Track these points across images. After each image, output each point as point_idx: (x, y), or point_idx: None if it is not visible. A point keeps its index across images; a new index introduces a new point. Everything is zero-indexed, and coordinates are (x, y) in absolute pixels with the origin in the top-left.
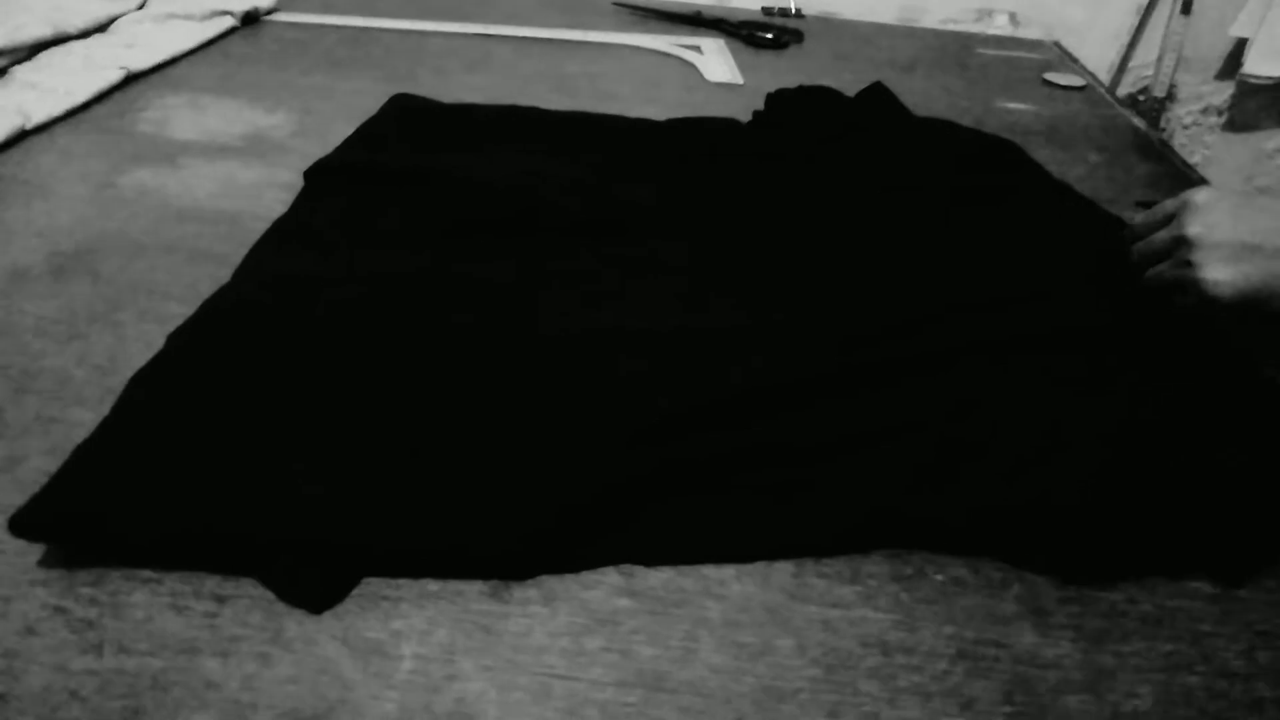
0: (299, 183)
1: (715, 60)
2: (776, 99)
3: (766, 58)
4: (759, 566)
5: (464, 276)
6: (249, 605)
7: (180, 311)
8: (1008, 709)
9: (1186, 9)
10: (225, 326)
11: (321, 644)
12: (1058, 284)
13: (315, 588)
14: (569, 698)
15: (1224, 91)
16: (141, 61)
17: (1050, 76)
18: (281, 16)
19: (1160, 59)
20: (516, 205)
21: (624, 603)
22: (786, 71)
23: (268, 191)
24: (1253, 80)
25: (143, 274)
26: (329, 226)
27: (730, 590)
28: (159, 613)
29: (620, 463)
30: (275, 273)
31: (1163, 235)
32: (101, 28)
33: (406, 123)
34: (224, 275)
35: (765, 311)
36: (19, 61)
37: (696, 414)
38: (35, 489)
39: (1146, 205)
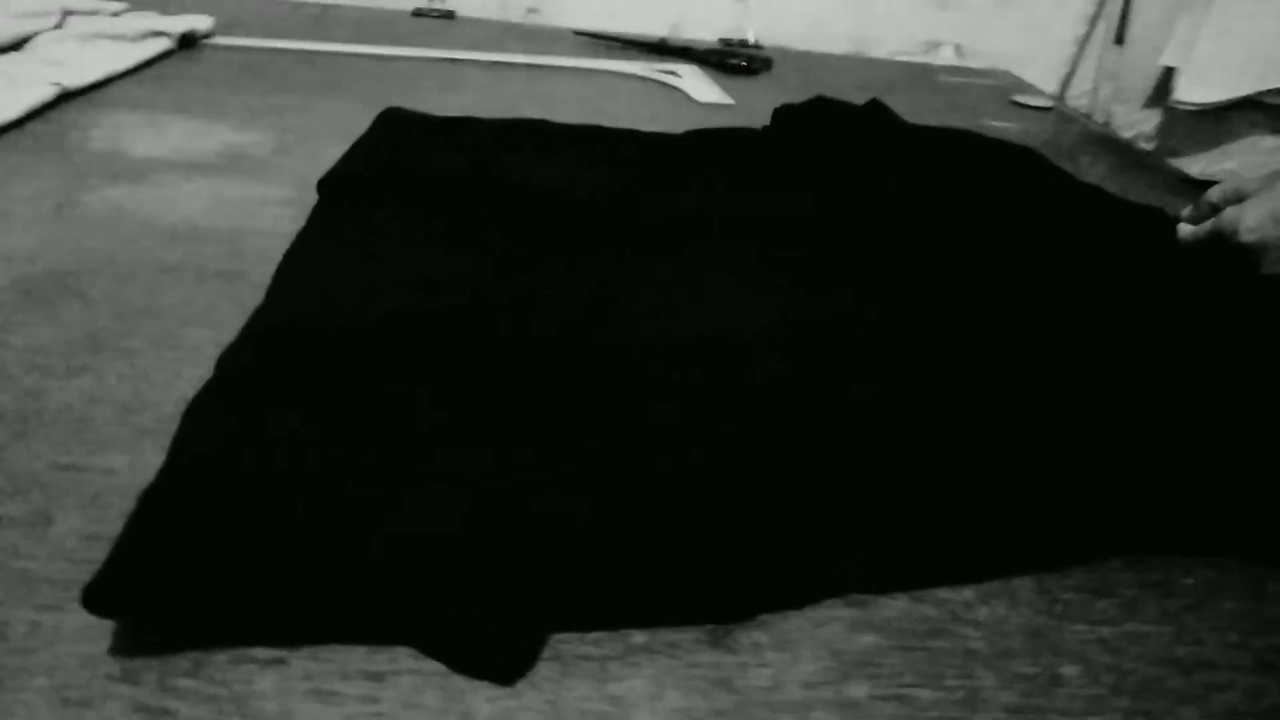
0: (302, 199)
1: (697, 83)
2: (786, 111)
3: (743, 82)
4: (996, 585)
5: (537, 283)
6: (417, 682)
7: (204, 336)
8: None
9: (1120, 40)
10: (285, 344)
11: None
12: (1140, 273)
13: (501, 651)
14: None
15: (1154, 119)
16: (76, 79)
17: (1018, 98)
18: (221, 40)
19: (1096, 88)
20: (574, 209)
21: (870, 639)
22: (766, 94)
23: (267, 208)
24: (1181, 107)
25: (143, 297)
26: (369, 234)
27: (980, 615)
28: (297, 703)
29: (819, 464)
30: (323, 284)
31: (1206, 225)
32: (16, 46)
33: (412, 133)
34: (245, 295)
35: (865, 304)
36: None
37: (874, 409)
38: (78, 554)
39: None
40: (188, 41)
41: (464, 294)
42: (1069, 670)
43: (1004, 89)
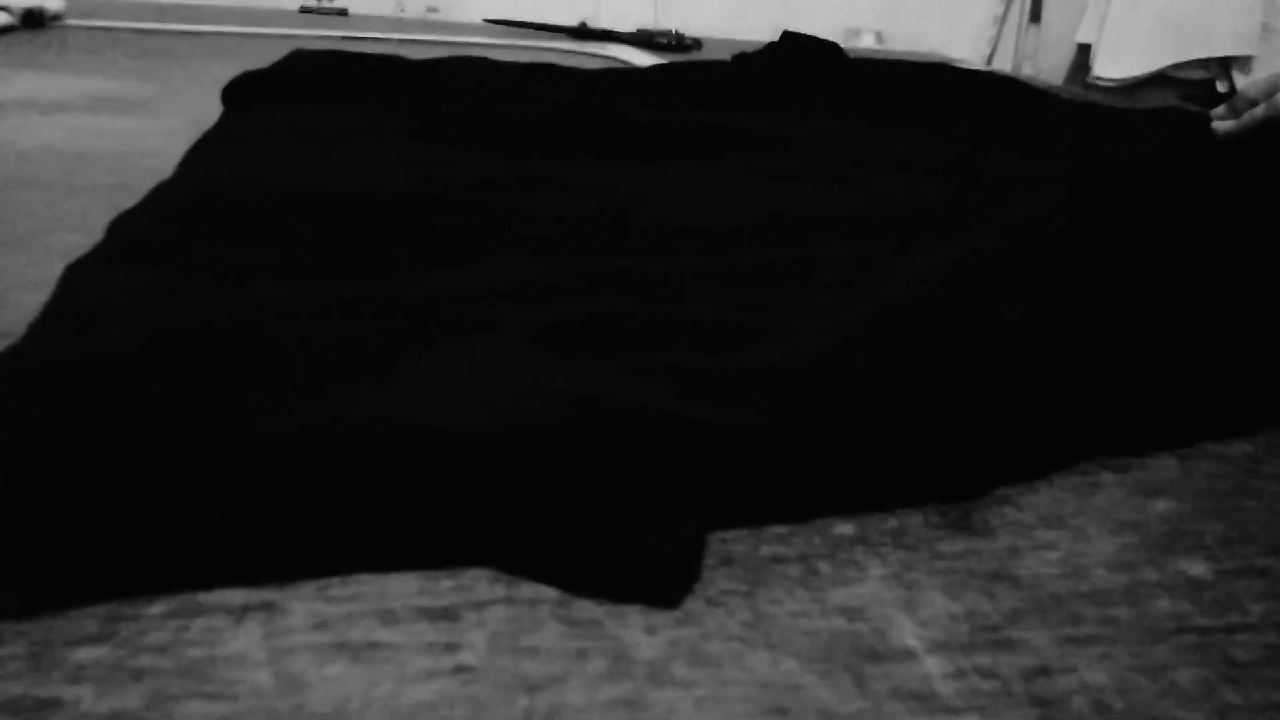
0: (194, 129)
1: (637, 55)
2: (744, 57)
3: (676, 58)
4: (1267, 436)
5: (546, 175)
6: (515, 617)
7: (73, 241)
8: None
9: (1036, 18)
10: (207, 216)
11: (740, 661)
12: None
13: (650, 557)
14: (1270, 662)
15: (1075, 95)
16: None
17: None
18: (74, 22)
19: (1017, 67)
20: (551, 110)
21: (1164, 505)
22: None
23: (151, 136)
24: (1101, 83)
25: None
26: (319, 124)
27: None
28: (309, 664)
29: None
30: (258, 162)
31: (1256, 113)
32: None
33: (337, 64)
34: (128, 203)
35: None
36: None
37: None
38: None
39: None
40: (33, 19)
41: (467, 174)
42: None
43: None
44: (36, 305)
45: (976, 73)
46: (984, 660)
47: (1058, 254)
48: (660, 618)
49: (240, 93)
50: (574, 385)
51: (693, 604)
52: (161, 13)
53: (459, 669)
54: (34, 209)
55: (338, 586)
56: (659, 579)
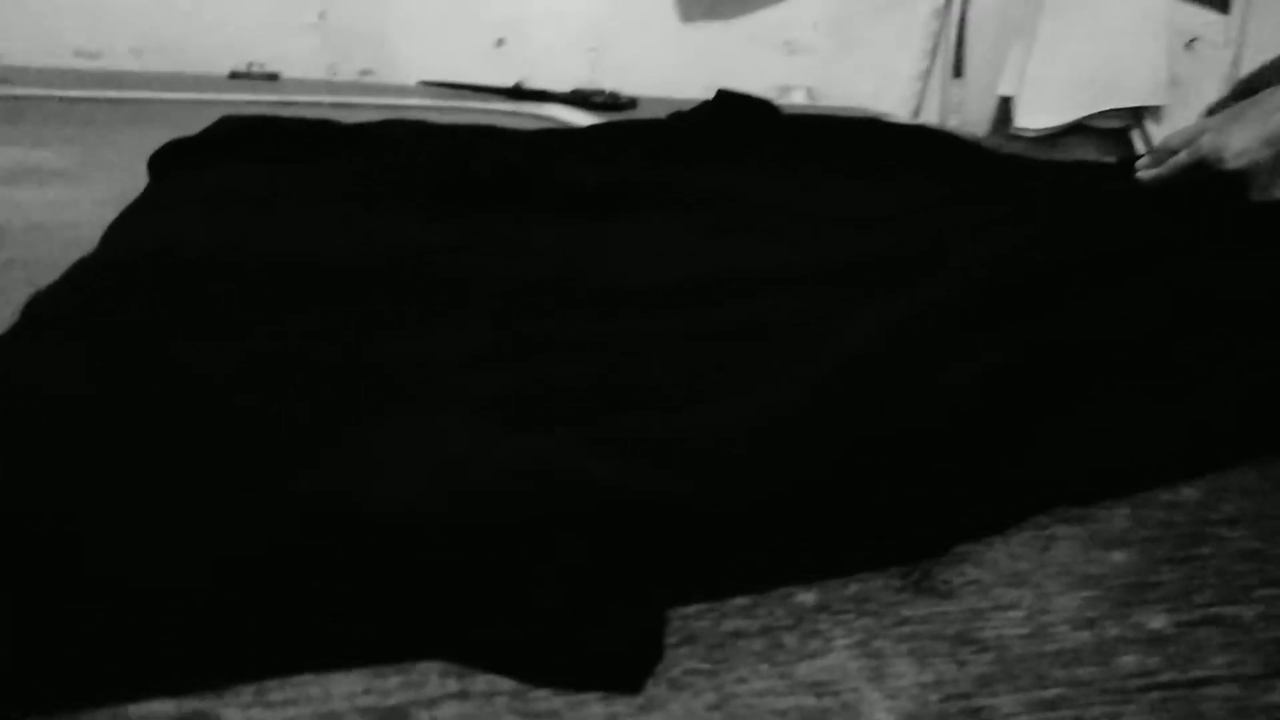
0: (120, 200)
1: (573, 115)
2: (680, 114)
3: (614, 117)
4: (1211, 481)
5: (482, 235)
6: (467, 714)
7: None
8: None
9: (958, 72)
10: (128, 286)
11: None
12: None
13: (609, 638)
14: (1237, 715)
15: (999, 145)
16: None
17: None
18: None
19: (943, 120)
20: (487, 170)
21: (1119, 557)
22: None
23: (73, 207)
24: (1024, 134)
25: None
26: (253, 189)
27: (1225, 512)
28: None
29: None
30: (186, 230)
31: (1180, 159)
32: None
33: (265, 127)
34: (47, 277)
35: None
36: None
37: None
38: None
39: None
40: None
41: (401, 239)
42: None
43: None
44: None
45: (907, 126)
46: None
47: (1006, 302)
48: (622, 705)
49: (168, 160)
50: (523, 463)
51: (655, 689)
52: (84, 79)
53: None
54: None
55: (276, 690)
56: (619, 663)
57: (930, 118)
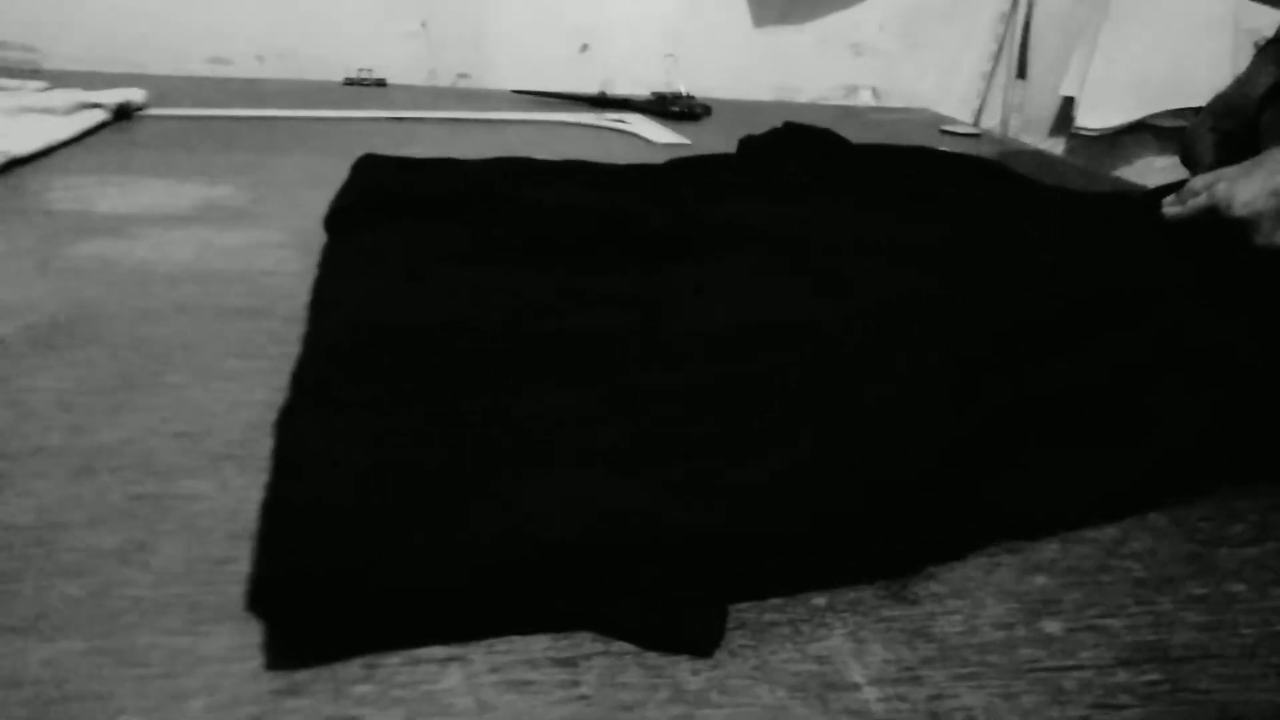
0: (298, 241)
1: (650, 128)
2: (751, 141)
3: (688, 126)
4: (1132, 523)
5: (577, 289)
6: (612, 664)
7: (249, 366)
8: None
9: (1022, 74)
10: (353, 358)
11: (750, 691)
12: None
13: (693, 624)
14: (1085, 689)
15: (1060, 145)
16: (17, 147)
17: (946, 127)
18: (155, 111)
19: (1005, 120)
20: (584, 223)
21: (1041, 580)
22: (713, 135)
23: (265, 251)
24: (1084, 133)
25: (168, 335)
26: (398, 254)
27: (1133, 548)
28: (492, 695)
29: (950, 423)
30: (368, 301)
31: (1198, 202)
32: None
33: (402, 172)
34: (276, 327)
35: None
36: None
37: (973, 370)
38: (190, 579)
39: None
40: (123, 113)
41: (519, 299)
42: (1236, 587)
43: (929, 121)
44: (246, 423)
45: (959, 158)
46: (903, 690)
47: (1008, 353)
48: (700, 664)
49: (335, 220)
50: (631, 505)
51: (719, 655)
52: (223, 90)
53: (580, 697)
54: (198, 334)
55: (501, 644)
56: (699, 640)
57: (993, 117)
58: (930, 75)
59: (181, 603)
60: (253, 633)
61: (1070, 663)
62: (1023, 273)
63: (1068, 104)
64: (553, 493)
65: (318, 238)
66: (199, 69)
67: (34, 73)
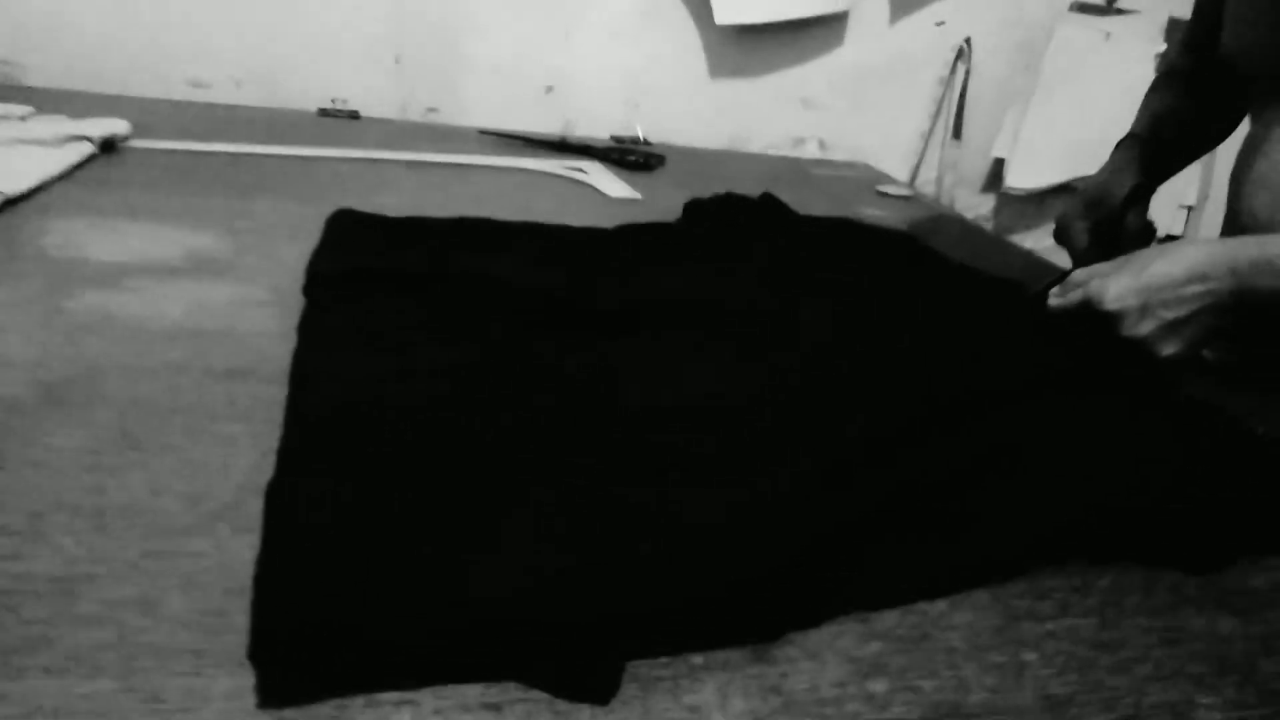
0: (278, 300)
1: (605, 179)
2: (694, 206)
3: (641, 177)
4: (961, 598)
5: (533, 363)
6: (530, 709)
7: (237, 429)
8: (1232, 678)
9: (957, 134)
10: (331, 433)
11: None
12: (1016, 340)
13: (594, 677)
14: None
15: (990, 202)
16: (11, 186)
17: (882, 188)
18: (138, 143)
19: (940, 177)
20: (538, 299)
21: (876, 646)
22: (664, 188)
23: (248, 310)
24: (1013, 192)
25: (165, 396)
26: (365, 328)
27: (955, 620)
28: None
29: (820, 511)
30: (342, 377)
31: (1075, 296)
32: None
33: (370, 232)
34: (262, 390)
35: (811, 374)
36: None
37: (847, 464)
38: (197, 627)
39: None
40: (109, 145)
41: (485, 374)
42: (1030, 657)
43: (868, 180)
44: (236, 485)
45: (880, 234)
46: None
47: (875, 447)
48: (599, 710)
49: (312, 288)
50: (553, 582)
51: (614, 703)
52: (202, 119)
53: None
54: (191, 395)
55: (445, 690)
56: (598, 690)
57: (930, 172)
58: (873, 131)
59: (189, 649)
60: (247, 676)
61: (885, 716)
62: (907, 362)
63: (999, 164)
64: (495, 568)
65: (295, 296)
66: (179, 91)
67: (15, 89)
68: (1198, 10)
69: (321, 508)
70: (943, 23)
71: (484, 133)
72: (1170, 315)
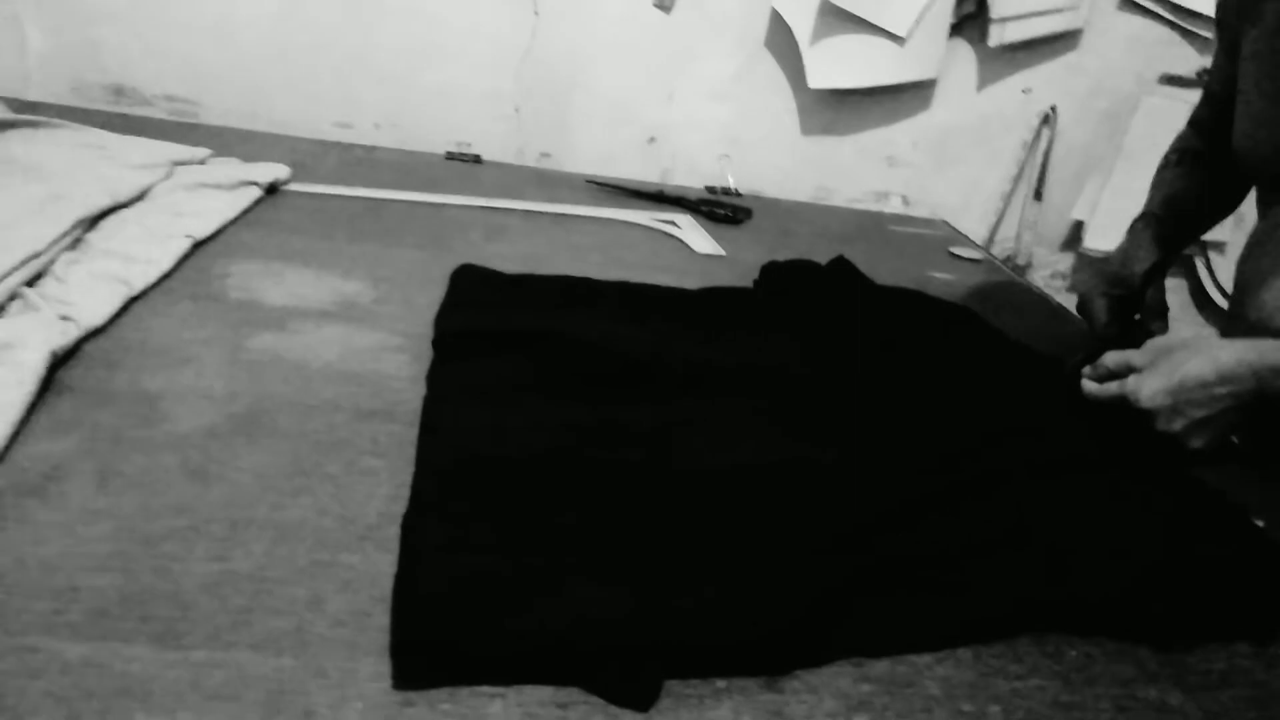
0: (411, 346)
1: (694, 234)
2: (770, 270)
3: (728, 230)
4: (945, 653)
5: (612, 421)
6: (588, 710)
7: (379, 464)
8: None
9: (1038, 196)
10: (452, 479)
11: None
12: (1046, 419)
13: (639, 691)
14: None
15: (1067, 260)
16: (200, 230)
17: (955, 250)
18: (294, 186)
19: (1020, 235)
20: (623, 362)
21: (867, 687)
22: (749, 243)
23: (386, 355)
24: (1091, 254)
25: (325, 432)
26: (483, 384)
27: (937, 672)
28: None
29: (833, 570)
30: (463, 427)
31: (1111, 388)
32: (140, 196)
33: (488, 290)
34: (396, 430)
35: (849, 446)
36: (87, 230)
37: (863, 530)
38: (351, 625)
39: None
40: (272, 188)
41: (575, 433)
42: (993, 709)
43: (943, 239)
44: (378, 512)
45: (942, 307)
46: None
47: (891, 515)
48: (639, 716)
49: (440, 345)
50: (617, 612)
51: (652, 712)
52: (346, 159)
53: None
54: (345, 432)
55: (527, 690)
56: (641, 700)
57: (1009, 230)
58: (955, 189)
59: (345, 641)
60: (386, 664)
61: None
62: (940, 437)
63: (1078, 225)
64: (579, 598)
65: (424, 341)
66: (326, 131)
67: (190, 126)
68: (1208, 95)
69: (443, 542)
70: (1029, 90)
71: (590, 181)
72: (1200, 414)
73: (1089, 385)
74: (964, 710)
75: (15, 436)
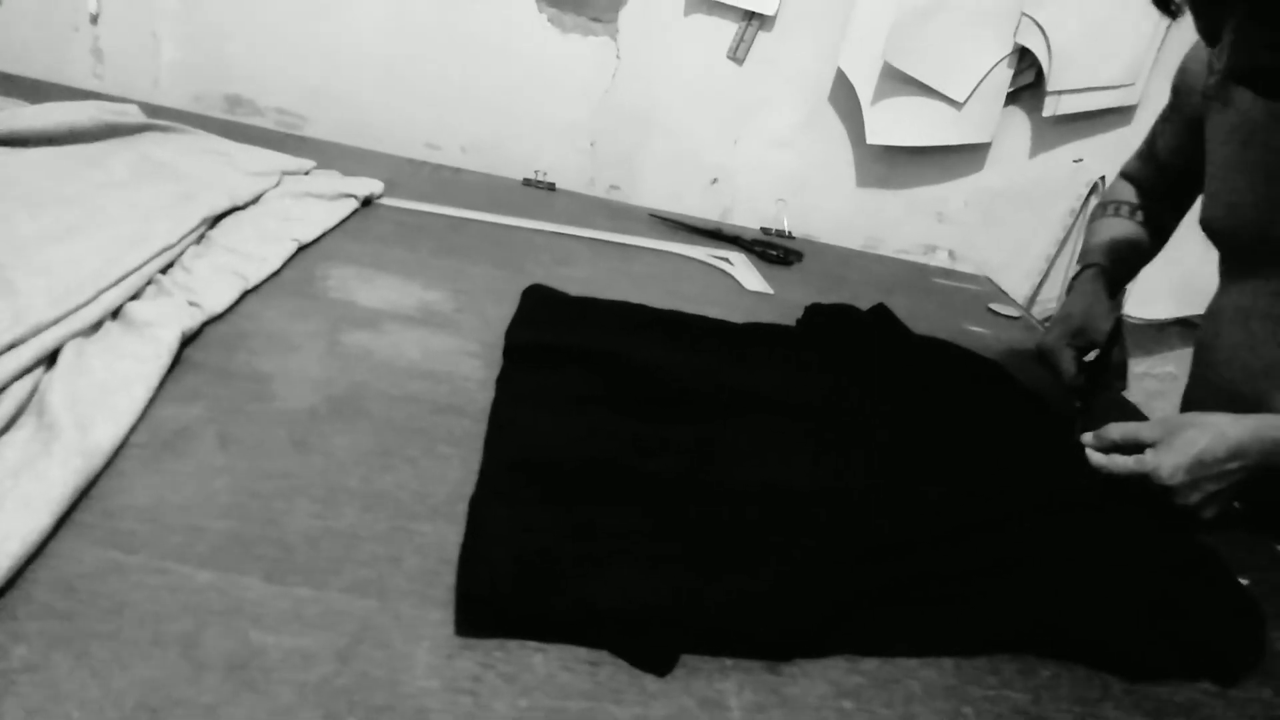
0: (484, 353)
1: (746, 272)
2: (814, 311)
3: (779, 270)
4: (931, 659)
5: (663, 436)
6: (616, 669)
7: (451, 451)
8: None
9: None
10: (516, 471)
11: (676, 697)
12: (1056, 471)
13: (659, 658)
14: None
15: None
16: (305, 234)
17: (994, 307)
18: (386, 200)
19: (1061, 297)
20: (675, 384)
21: (857, 679)
22: (798, 284)
23: (462, 358)
24: (1132, 320)
25: (407, 420)
26: (548, 394)
27: (920, 674)
28: (555, 672)
29: (849, 580)
30: (527, 428)
31: (1125, 464)
32: (254, 200)
33: (554, 309)
34: (467, 425)
35: (873, 477)
36: (209, 228)
37: (874, 553)
38: (421, 579)
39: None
40: (367, 201)
41: (625, 442)
42: (966, 710)
43: (985, 295)
44: (448, 493)
45: (974, 358)
46: (754, 718)
47: (909, 538)
48: (656, 681)
49: (510, 354)
50: (652, 596)
51: (670, 677)
52: (434, 180)
53: (596, 682)
54: (423, 422)
55: (567, 648)
56: (660, 665)
57: (1052, 291)
58: (1001, 248)
59: (416, 591)
60: (449, 613)
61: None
62: (954, 474)
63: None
64: (618, 579)
65: (495, 350)
66: (417, 151)
67: (295, 139)
68: (1150, 156)
69: (504, 520)
70: (1080, 160)
71: (653, 215)
72: (1213, 488)
73: (1097, 458)
74: (939, 708)
75: (153, 400)
